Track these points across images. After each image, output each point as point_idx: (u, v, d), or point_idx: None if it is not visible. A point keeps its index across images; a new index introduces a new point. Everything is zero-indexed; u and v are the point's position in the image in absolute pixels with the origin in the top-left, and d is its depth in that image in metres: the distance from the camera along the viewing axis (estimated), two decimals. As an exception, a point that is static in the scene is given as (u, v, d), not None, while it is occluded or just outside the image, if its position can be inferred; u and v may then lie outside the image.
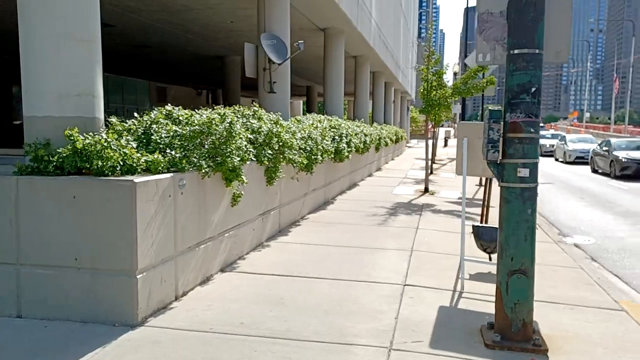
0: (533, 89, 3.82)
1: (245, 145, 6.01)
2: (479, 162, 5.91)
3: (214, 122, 5.53)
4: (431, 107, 13.27)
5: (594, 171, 22.05)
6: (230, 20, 15.31)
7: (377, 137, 18.02)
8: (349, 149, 11.86)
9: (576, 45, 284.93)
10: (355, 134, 13.08)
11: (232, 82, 23.11)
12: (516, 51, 3.83)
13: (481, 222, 9.11)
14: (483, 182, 18.16)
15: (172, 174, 4.82)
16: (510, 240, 3.99)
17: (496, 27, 4.10)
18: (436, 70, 13.33)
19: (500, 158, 3.98)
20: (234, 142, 5.73)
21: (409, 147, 41.43)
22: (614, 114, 65.19)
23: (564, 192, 15.46)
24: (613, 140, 21.65)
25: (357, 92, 21.64)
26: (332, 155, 10.39)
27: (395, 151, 28.18)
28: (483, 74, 13.53)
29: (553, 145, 31.28)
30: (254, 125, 6.74)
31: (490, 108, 4.01)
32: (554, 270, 6.37)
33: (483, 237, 6.21)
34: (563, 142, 28.46)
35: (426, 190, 13.32)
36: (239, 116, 6.57)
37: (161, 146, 5.06)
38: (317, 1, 12.92)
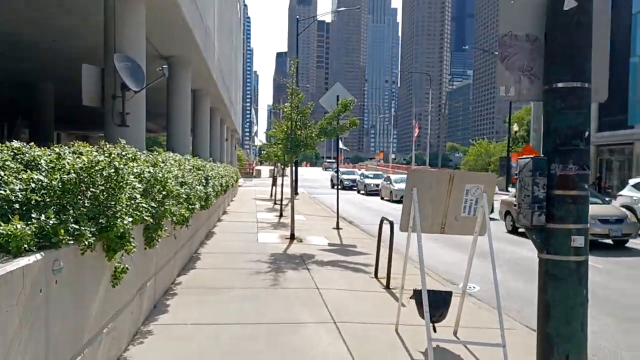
0: (586, 134, 2.98)
1: (137, 199, 4.23)
2: (433, 216, 5.00)
3: (98, 165, 3.70)
4: (297, 147, 12.34)
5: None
6: (52, 39, 12.66)
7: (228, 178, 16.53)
8: (214, 194, 10.25)
9: (375, 94, 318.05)
10: (215, 177, 11.50)
11: (44, 114, 19.51)
12: (564, 85, 2.98)
13: (376, 270, 8.32)
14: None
15: (43, 254, 2.92)
16: (563, 332, 3.04)
17: (522, 53, 3.23)
18: (301, 109, 12.52)
19: (545, 222, 3.04)
20: (122, 194, 3.95)
21: (239, 186, 40.24)
22: (414, 155, 72.87)
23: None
24: None
25: (196, 129, 19.93)
26: (203, 203, 8.71)
27: (233, 192, 26.77)
28: (337, 115, 13.09)
29: (378, 185, 32.98)
30: (134, 170, 4.94)
31: (531, 157, 3.07)
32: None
33: (430, 303, 5.27)
34: (389, 182, 30.08)
35: (292, 237, 12.23)
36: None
37: (16, 206, 3.10)
38: (171, 24, 11.26)
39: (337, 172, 16.22)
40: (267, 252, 10.32)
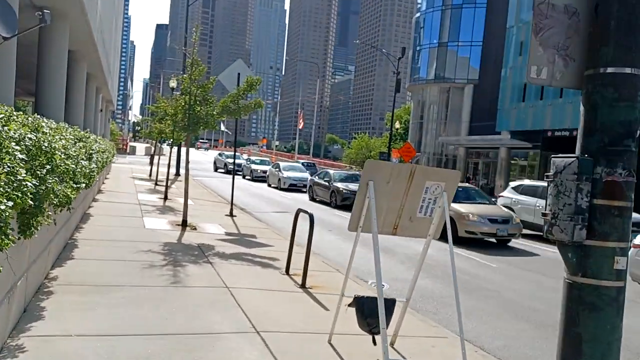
0: (639, 133, 2.50)
1: (21, 175, 3.05)
2: (386, 215, 4.37)
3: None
4: (196, 125, 11.10)
5: (312, 199, 23.09)
6: None
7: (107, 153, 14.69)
8: (97, 170, 8.76)
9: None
10: (98, 151, 9.94)
11: None
12: (617, 70, 2.46)
13: (288, 265, 7.59)
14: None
15: None
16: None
17: (558, 27, 2.67)
18: (203, 83, 11.28)
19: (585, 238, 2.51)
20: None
21: (113, 163, 36.98)
22: (297, 143, 73.04)
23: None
24: (332, 172, 23.15)
25: (69, 96, 17.51)
26: (87, 180, 7.28)
27: (107, 169, 24.26)
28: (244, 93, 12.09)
29: (265, 171, 32.19)
30: (12, 134, 3.67)
31: (577, 156, 2.51)
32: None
33: (370, 312, 4.64)
34: (277, 169, 29.43)
35: (184, 223, 11.02)
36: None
37: None
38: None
39: (234, 156, 15.15)
40: (159, 240, 9.08)
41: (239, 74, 14.28)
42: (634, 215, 13.82)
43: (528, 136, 38.08)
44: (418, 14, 53.47)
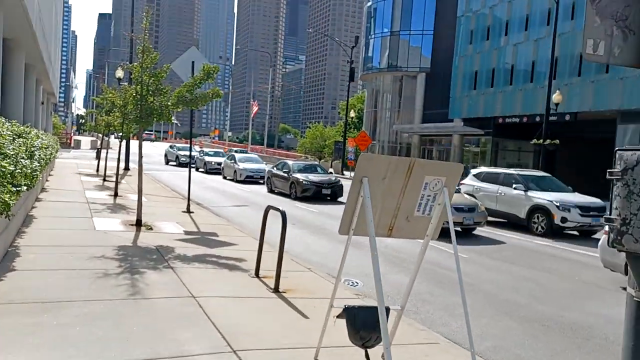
0: None
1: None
2: (381, 215, 3.88)
3: None
4: (149, 117, 10.27)
5: (271, 191, 22.48)
6: None
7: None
8: (40, 169, 7.88)
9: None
10: (41, 147, 9.01)
11: None
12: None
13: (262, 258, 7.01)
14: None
15: None
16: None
17: (614, -4, 2.21)
18: (155, 72, 10.43)
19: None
20: None
21: (57, 159, 35.03)
22: (250, 134, 71.85)
23: (272, 217, 14.58)
24: (291, 163, 22.56)
25: (6, 88, 16.15)
26: (29, 181, 6.45)
27: (50, 165, 22.77)
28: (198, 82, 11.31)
29: (220, 163, 31.23)
30: None
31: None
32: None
33: (364, 324, 4.15)
34: (233, 161, 28.55)
35: (139, 223, 10.23)
36: None
37: None
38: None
39: (190, 149, 14.30)
40: (112, 243, 8.30)
41: (193, 62, 13.48)
42: (596, 200, 13.77)
43: (480, 123, 38.69)
44: (370, 3, 53.26)
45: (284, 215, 6.57)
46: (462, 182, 16.95)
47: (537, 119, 33.77)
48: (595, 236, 13.83)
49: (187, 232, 10.22)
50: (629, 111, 28.21)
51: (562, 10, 26.78)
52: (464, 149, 42.22)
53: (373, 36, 51.55)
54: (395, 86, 49.78)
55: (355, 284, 8.12)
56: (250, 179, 26.88)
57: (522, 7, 35.92)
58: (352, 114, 48.24)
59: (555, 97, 26.32)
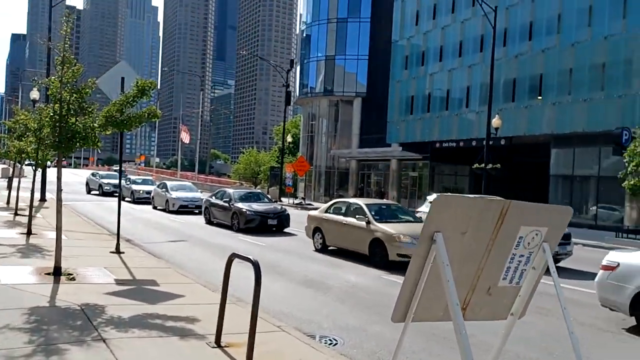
0: None
1: None
2: (457, 289, 2.51)
3: None
4: (70, 141, 8.39)
5: (210, 222, 20.61)
6: None
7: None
8: None
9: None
10: None
11: None
12: None
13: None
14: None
15: None
16: None
17: None
18: (78, 88, 8.62)
19: None
20: None
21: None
22: (180, 159, 68.82)
23: (218, 254, 12.89)
24: (231, 191, 20.86)
25: None
26: None
27: (-52, 197, 19.68)
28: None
29: (150, 192, 28.81)
30: None
31: None
32: None
33: None
34: (164, 189, 26.32)
35: (58, 271, 8.27)
36: None
37: None
38: None
39: (120, 177, 12.36)
40: (20, 305, 6.38)
41: (123, 78, 11.71)
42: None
43: (418, 147, 38.68)
44: (304, 27, 52.83)
45: (257, 268, 5.04)
46: (418, 209, 16.06)
47: (474, 143, 34.11)
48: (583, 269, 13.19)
49: (119, 282, 8.37)
50: (562, 135, 28.90)
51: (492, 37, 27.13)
52: (402, 173, 42.08)
53: (308, 60, 50.98)
54: (331, 111, 49.23)
55: (334, 341, 6.68)
56: (185, 209, 24.77)
57: (455, 34, 36.52)
58: (289, 138, 47.05)
59: (495, 121, 26.45)
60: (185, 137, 54.63)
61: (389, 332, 7.08)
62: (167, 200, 25.40)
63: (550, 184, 29.69)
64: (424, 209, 15.69)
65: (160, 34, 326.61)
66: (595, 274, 8.36)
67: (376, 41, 45.18)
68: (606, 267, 7.94)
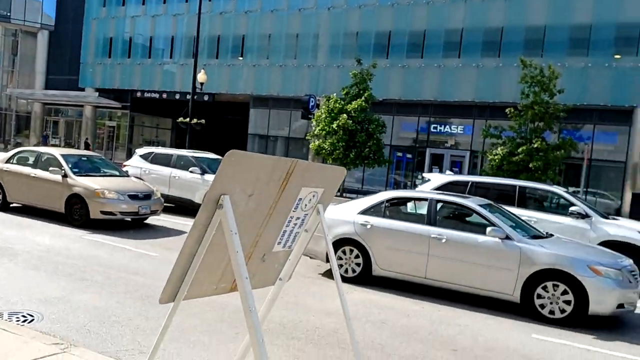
0: None
1: None
2: (223, 261, 2.21)
3: None
4: None
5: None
6: None
7: None
8: None
9: None
10: None
11: None
12: None
13: None
14: None
15: None
16: None
17: None
18: None
19: None
20: None
21: None
22: None
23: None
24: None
25: None
26: None
27: None
28: None
29: None
30: None
31: None
32: None
33: None
34: None
35: None
36: None
37: None
38: None
39: None
40: None
41: None
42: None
43: (117, 95, 36.05)
44: None
45: None
46: (127, 163, 14.88)
47: (177, 96, 33.63)
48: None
49: None
50: (259, 97, 30.93)
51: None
52: (97, 122, 38.63)
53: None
54: (7, 41, 41.34)
55: (29, 317, 5.59)
56: None
57: (160, -22, 34.79)
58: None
59: (201, 76, 26.43)
60: None
61: (99, 300, 6.31)
62: None
63: (248, 142, 31.62)
64: (135, 163, 14.57)
65: None
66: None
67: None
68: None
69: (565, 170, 22.29)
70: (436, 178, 11.55)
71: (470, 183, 10.93)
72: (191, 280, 1.99)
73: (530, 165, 18.06)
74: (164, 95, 34.61)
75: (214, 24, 32.44)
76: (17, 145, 37.12)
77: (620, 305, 6.77)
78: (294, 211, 2.41)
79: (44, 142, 37.00)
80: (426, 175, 12.70)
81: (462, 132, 26.09)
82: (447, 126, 26.57)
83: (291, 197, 2.31)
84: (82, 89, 37.18)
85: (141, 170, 13.99)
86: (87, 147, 35.64)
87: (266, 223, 2.26)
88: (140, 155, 14.59)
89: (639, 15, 21.99)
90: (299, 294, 7.23)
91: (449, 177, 11.89)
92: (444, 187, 10.71)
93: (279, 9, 30.29)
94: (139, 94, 35.59)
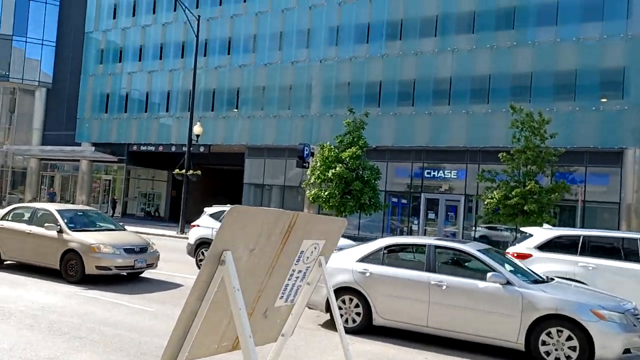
0: None
1: None
2: (226, 318, 2.20)
3: None
4: None
5: None
6: None
7: None
8: None
9: None
10: None
11: None
12: None
13: None
14: None
15: None
16: None
17: None
18: None
19: None
20: None
21: None
22: None
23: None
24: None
25: None
26: None
27: None
28: None
29: None
30: None
31: None
32: None
33: None
34: None
35: None
36: None
37: None
38: None
39: None
40: None
41: None
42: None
43: (113, 149, 36.33)
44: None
45: None
46: (195, 223, 14.46)
47: (173, 148, 33.90)
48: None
49: None
50: (254, 147, 31.23)
51: (195, 46, 27.51)
52: (93, 176, 38.71)
53: (-25, 36, 42.26)
54: (6, 100, 41.92)
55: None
56: None
57: (156, 35, 35.71)
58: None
59: (196, 129, 26.78)
60: None
61: (99, 357, 6.16)
62: None
63: (244, 191, 31.67)
64: (204, 222, 13.99)
65: None
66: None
67: (66, 28, 40.56)
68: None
69: (560, 213, 22.36)
70: (539, 233, 10.41)
71: (582, 237, 9.84)
72: (192, 339, 1.97)
73: (525, 207, 18.13)
74: (160, 148, 34.89)
75: (209, 78, 33.13)
76: (20, 201, 36.97)
77: (627, 351, 6.65)
78: (295, 264, 2.42)
79: (51, 199, 36.62)
80: (526, 229, 11.23)
81: (455, 176, 26.28)
82: (441, 171, 26.78)
83: (293, 250, 2.32)
84: (79, 144, 37.45)
85: (212, 230, 13.63)
86: (114, 205, 35.77)
87: (268, 277, 2.26)
88: (210, 215, 14.29)
89: (622, 61, 22.66)
90: (298, 347, 7.08)
91: (555, 231, 10.61)
92: (551, 243, 9.88)
93: (273, 63, 31.03)
94: (135, 147, 35.86)
